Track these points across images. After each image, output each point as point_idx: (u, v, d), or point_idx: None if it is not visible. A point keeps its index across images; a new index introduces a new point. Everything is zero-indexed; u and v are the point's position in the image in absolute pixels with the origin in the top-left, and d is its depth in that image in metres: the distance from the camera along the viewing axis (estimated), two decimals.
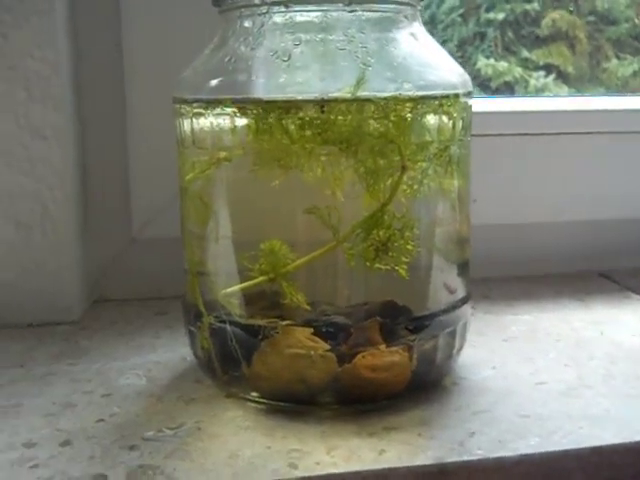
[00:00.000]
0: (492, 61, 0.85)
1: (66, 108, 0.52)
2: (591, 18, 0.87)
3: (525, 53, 0.86)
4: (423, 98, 0.38)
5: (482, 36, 0.87)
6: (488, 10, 0.87)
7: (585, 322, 0.53)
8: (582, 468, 0.35)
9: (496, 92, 0.87)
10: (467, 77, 0.41)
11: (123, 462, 0.34)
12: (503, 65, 0.85)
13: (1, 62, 0.51)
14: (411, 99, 0.37)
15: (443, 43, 0.84)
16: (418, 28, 0.41)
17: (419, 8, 0.41)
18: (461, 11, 0.86)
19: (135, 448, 0.36)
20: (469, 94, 0.41)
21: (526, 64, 0.86)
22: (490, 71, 0.86)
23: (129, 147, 0.57)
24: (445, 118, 0.39)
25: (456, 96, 0.40)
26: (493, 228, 0.64)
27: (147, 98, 0.55)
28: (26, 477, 0.33)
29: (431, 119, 0.39)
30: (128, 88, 0.56)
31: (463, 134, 0.41)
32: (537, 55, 0.87)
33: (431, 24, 0.85)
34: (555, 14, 0.87)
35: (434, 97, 0.38)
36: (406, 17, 0.40)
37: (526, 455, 0.35)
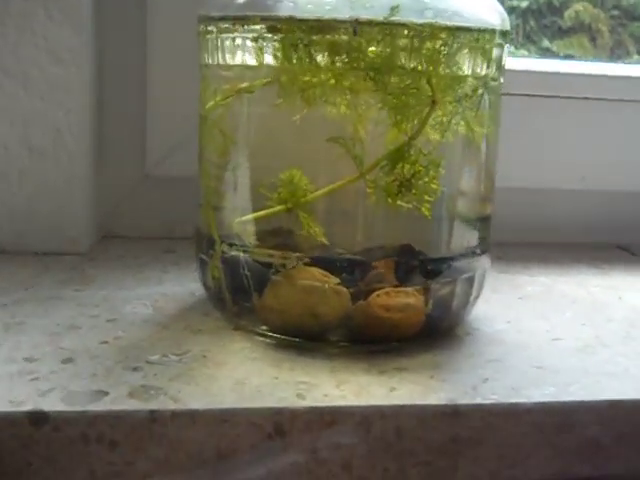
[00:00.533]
0: (512, 49, 0.84)
1: (85, 31, 0.51)
2: (615, 12, 0.85)
3: (546, 43, 0.85)
4: (459, 29, 0.36)
5: None
6: None
7: (602, 287, 0.52)
8: (599, 421, 0.34)
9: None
10: (506, 16, 0.40)
11: (126, 381, 0.33)
12: (523, 53, 0.84)
13: None
14: (447, 29, 0.36)
15: None
16: None
17: None
18: None
19: (139, 369, 0.35)
20: (506, 34, 0.39)
21: (546, 54, 0.85)
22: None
23: (148, 80, 0.56)
24: (479, 55, 0.38)
25: (493, 32, 0.38)
26: (511, 192, 0.62)
27: (169, 29, 0.54)
28: (25, 389, 0.32)
29: (465, 54, 0.37)
30: (150, 16, 0.54)
31: (496, 76, 0.39)
32: (558, 46, 0.85)
33: None
34: (579, 5, 0.85)
35: (470, 30, 0.37)
36: None
37: (542, 403, 0.34)
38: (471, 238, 0.41)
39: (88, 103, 0.52)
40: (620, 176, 0.64)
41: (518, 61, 0.66)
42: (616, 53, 0.85)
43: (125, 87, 0.56)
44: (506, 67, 0.55)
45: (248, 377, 0.34)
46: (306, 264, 0.37)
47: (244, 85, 0.38)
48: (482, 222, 0.42)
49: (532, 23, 0.84)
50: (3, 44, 0.50)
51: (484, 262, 0.42)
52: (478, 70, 0.38)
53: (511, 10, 0.84)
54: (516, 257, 0.58)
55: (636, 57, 0.83)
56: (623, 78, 0.63)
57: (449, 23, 0.35)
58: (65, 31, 0.50)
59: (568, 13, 0.84)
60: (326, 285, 0.36)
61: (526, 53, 0.84)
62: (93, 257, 0.52)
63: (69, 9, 0.49)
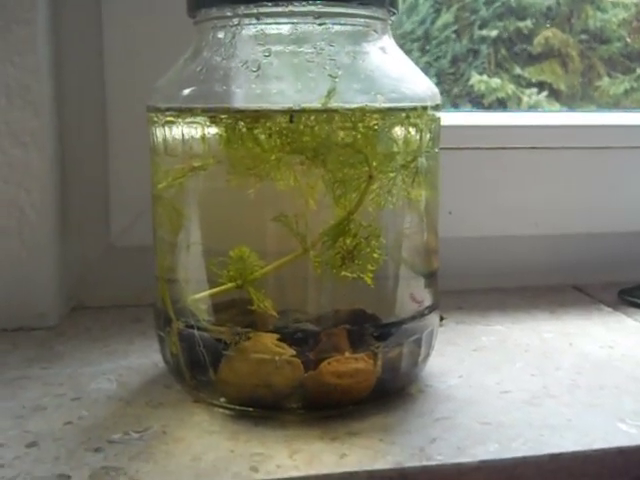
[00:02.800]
0: (485, 77, 0.86)
1: (46, 115, 0.53)
2: (583, 36, 0.88)
3: (518, 70, 0.87)
4: (390, 110, 0.39)
5: (475, 53, 0.87)
6: (481, 27, 0.88)
7: (555, 333, 0.54)
8: (541, 475, 0.36)
9: (489, 108, 0.88)
10: (436, 90, 0.42)
11: (87, 464, 0.35)
12: (496, 82, 0.86)
13: None
14: (378, 110, 0.38)
15: (437, 59, 0.85)
16: (388, 42, 0.42)
17: (389, 22, 0.42)
18: (455, 28, 0.87)
19: (100, 450, 0.36)
20: (437, 107, 0.42)
21: (519, 81, 0.87)
22: (483, 87, 0.87)
23: (109, 154, 0.58)
24: (412, 130, 0.40)
25: (424, 108, 0.40)
26: (469, 240, 0.64)
27: (127, 106, 0.56)
28: None
29: (398, 130, 0.39)
30: (108, 95, 0.57)
31: (431, 146, 0.42)
32: (530, 72, 0.87)
33: (425, 40, 0.86)
34: (548, 32, 0.88)
35: (401, 109, 0.39)
36: (375, 31, 0.41)
37: (485, 461, 0.35)
38: (419, 296, 0.43)
39: (50, 182, 0.54)
40: (571, 219, 0.66)
41: (468, 116, 0.69)
42: (587, 76, 0.87)
43: (87, 162, 0.58)
44: (459, 123, 0.58)
45: (205, 452, 0.36)
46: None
47: (196, 164, 0.41)
48: (429, 279, 0.44)
49: (503, 51, 0.87)
50: None
51: (432, 321, 0.44)
52: (412, 142, 0.41)
53: (482, 40, 0.87)
54: (474, 305, 0.60)
55: (607, 80, 0.86)
56: (566, 127, 0.66)
57: (379, 105, 0.38)
58: (26, 115, 0.52)
59: (538, 40, 0.87)
60: (277, 357, 0.38)
61: (499, 81, 0.86)
62: (62, 331, 0.53)
63: (30, 95, 0.52)
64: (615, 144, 0.65)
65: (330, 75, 0.37)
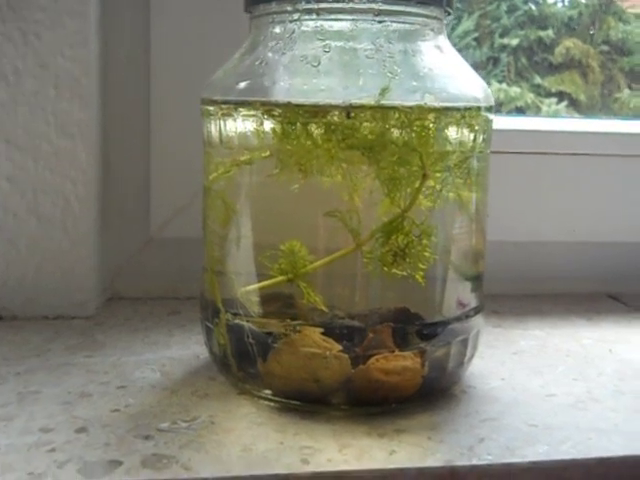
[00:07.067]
0: (504, 86, 0.86)
1: (93, 107, 0.53)
2: (605, 48, 0.87)
3: (538, 79, 0.87)
4: (446, 109, 0.39)
5: (495, 61, 0.87)
6: (502, 35, 0.88)
7: (594, 340, 0.54)
8: (589, 478, 0.36)
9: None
10: (489, 92, 0.42)
11: (138, 450, 0.35)
12: (515, 90, 0.86)
13: (33, 60, 0.52)
14: (435, 109, 0.38)
15: None
16: (443, 41, 0.42)
17: (445, 22, 0.42)
18: (475, 35, 0.87)
19: (150, 438, 0.36)
20: (490, 108, 0.42)
21: (538, 90, 0.87)
22: (502, 96, 0.87)
23: (152, 147, 0.58)
24: (466, 130, 0.40)
25: (478, 109, 0.40)
26: (504, 245, 0.64)
27: (172, 101, 0.57)
28: (42, 460, 0.34)
29: (453, 130, 0.40)
30: (154, 90, 0.57)
31: (483, 147, 0.42)
32: (549, 82, 0.87)
33: None
34: (569, 42, 0.88)
35: (457, 109, 0.39)
36: (432, 30, 0.41)
37: (535, 462, 0.35)
38: (465, 299, 0.43)
39: (95, 173, 0.54)
40: (608, 227, 0.66)
41: (509, 120, 0.68)
42: (607, 88, 0.87)
43: (129, 155, 0.59)
44: (499, 127, 0.58)
45: (255, 443, 0.36)
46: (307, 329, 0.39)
47: (244, 158, 0.41)
48: (475, 281, 0.44)
49: (523, 60, 0.86)
50: (15, 120, 0.52)
51: (478, 322, 0.44)
52: (466, 142, 0.41)
53: (502, 48, 0.87)
54: (510, 310, 0.60)
55: (627, 92, 0.86)
56: (607, 134, 0.66)
57: (437, 104, 0.38)
58: (74, 107, 0.52)
59: (558, 50, 0.87)
60: (327, 352, 0.38)
61: (518, 90, 0.86)
62: (101, 321, 0.54)
63: (78, 87, 0.52)
64: None
65: (390, 72, 0.38)
